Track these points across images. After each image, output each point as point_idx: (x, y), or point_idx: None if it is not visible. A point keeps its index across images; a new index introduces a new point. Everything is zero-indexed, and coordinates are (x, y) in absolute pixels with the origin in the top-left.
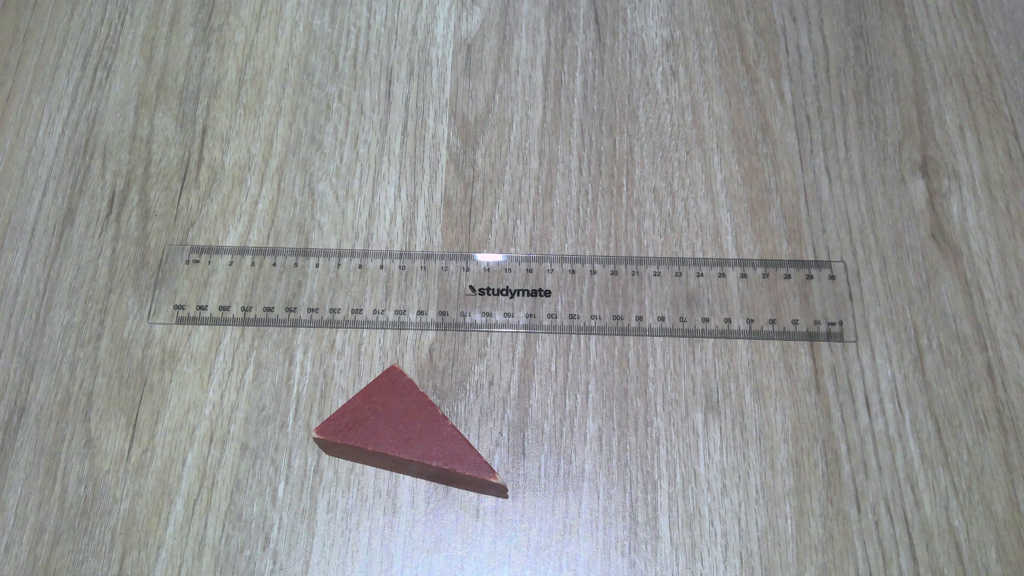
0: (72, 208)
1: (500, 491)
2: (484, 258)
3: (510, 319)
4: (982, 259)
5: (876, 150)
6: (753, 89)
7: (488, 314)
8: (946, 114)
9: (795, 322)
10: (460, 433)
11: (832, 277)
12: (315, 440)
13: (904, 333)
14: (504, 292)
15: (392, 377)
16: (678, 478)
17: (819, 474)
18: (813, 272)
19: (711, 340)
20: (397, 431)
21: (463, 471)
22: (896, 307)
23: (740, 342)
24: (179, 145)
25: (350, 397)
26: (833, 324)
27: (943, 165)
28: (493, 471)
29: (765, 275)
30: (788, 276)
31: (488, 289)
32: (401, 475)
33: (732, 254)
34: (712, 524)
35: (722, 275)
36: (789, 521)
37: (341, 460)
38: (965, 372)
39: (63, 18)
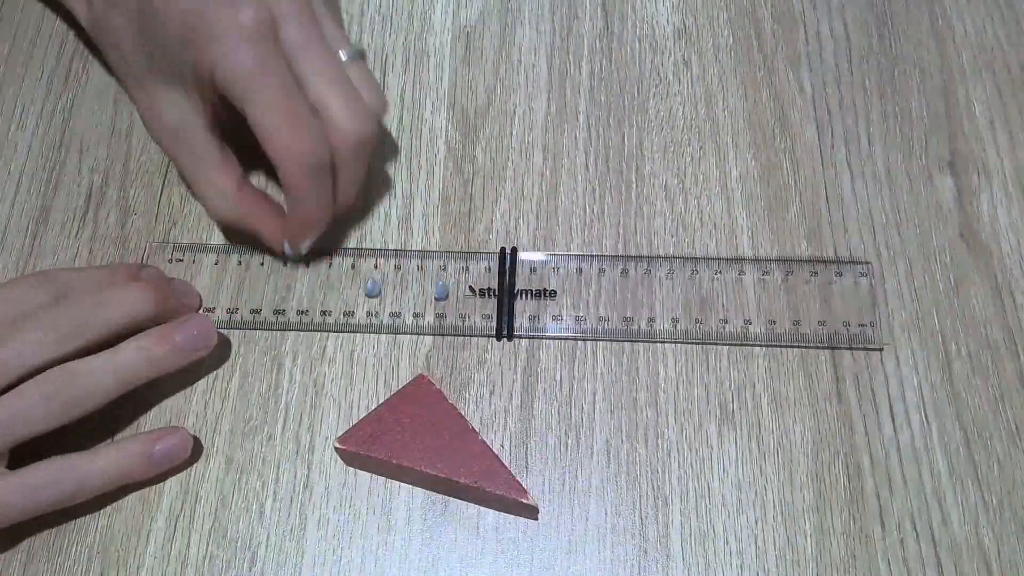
0: (47, 206)
1: (531, 512)
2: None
3: (513, 321)
4: (1014, 260)
5: (901, 145)
6: (770, 80)
7: (488, 316)
8: (975, 107)
9: (822, 323)
10: (491, 449)
11: (858, 278)
12: (336, 450)
13: (931, 339)
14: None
15: (420, 387)
16: (691, 494)
17: (841, 489)
18: (841, 271)
19: (726, 348)
20: (424, 444)
21: (493, 490)
22: (922, 312)
23: (757, 349)
24: None
25: (341, 408)
26: (864, 325)
27: (972, 161)
28: (525, 491)
29: (788, 275)
30: (815, 273)
31: (489, 290)
32: (396, 490)
33: (749, 255)
34: (727, 543)
35: (741, 273)
36: (809, 539)
37: (332, 475)
38: (996, 381)
39: (37, 4)
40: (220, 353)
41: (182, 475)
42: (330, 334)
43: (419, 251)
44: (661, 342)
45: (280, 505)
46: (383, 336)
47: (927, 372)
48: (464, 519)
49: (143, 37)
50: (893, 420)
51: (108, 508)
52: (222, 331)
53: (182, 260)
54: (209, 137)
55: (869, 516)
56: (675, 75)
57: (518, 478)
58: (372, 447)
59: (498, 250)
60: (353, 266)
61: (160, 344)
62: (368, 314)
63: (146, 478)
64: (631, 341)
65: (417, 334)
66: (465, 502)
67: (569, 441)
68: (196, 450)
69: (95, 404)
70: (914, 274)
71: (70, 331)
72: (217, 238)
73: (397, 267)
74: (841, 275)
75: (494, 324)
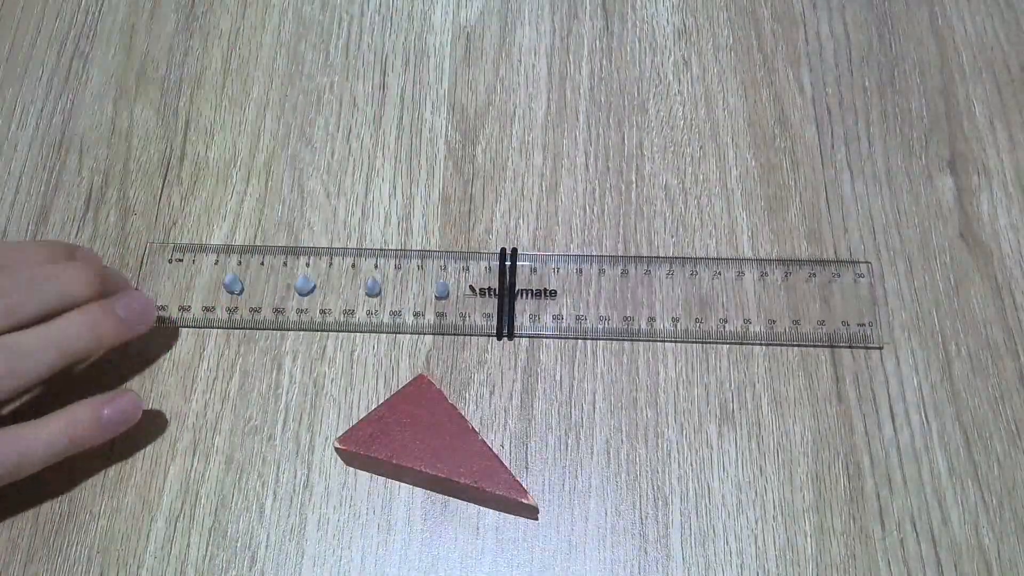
0: (47, 206)
1: (531, 512)
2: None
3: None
4: (1014, 260)
5: (901, 145)
6: (770, 80)
7: (489, 316)
8: (976, 106)
9: (822, 322)
10: (490, 449)
11: (858, 278)
12: (336, 450)
13: (931, 339)
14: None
15: (420, 387)
16: (691, 494)
17: (841, 489)
18: (840, 271)
19: (726, 347)
20: (424, 444)
21: (493, 490)
22: (923, 312)
23: (757, 349)
24: (160, 139)
25: (341, 408)
26: (863, 325)
27: (972, 161)
28: (525, 491)
29: (787, 274)
30: (815, 273)
31: (489, 290)
32: (396, 490)
33: (749, 255)
34: (727, 543)
35: (741, 273)
36: (809, 539)
37: (332, 475)
38: (996, 381)
39: (37, 4)
40: (220, 354)
41: (182, 475)
42: (330, 334)
43: (419, 251)
44: (661, 341)
45: (280, 505)
46: (383, 336)
47: (927, 372)
48: (464, 519)
49: None
50: (893, 420)
51: (108, 508)
52: (222, 333)
53: (182, 260)
54: None
55: (869, 516)
56: (675, 75)
57: (518, 478)
58: (372, 447)
59: (498, 250)
60: (353, 265)
61: (103, 316)
62: (368, 313)
63: (97, 443)
64: (631, 341)
65: (417, 333)
66: (465, 502)
67: (569, 441)
68: (160, 422)
69: (37, 377)
70: (914, 274)
71: (4, 308)
72: (217, 238)
73: (397, 267)
74: (841, 275)
75: (494, 323)
